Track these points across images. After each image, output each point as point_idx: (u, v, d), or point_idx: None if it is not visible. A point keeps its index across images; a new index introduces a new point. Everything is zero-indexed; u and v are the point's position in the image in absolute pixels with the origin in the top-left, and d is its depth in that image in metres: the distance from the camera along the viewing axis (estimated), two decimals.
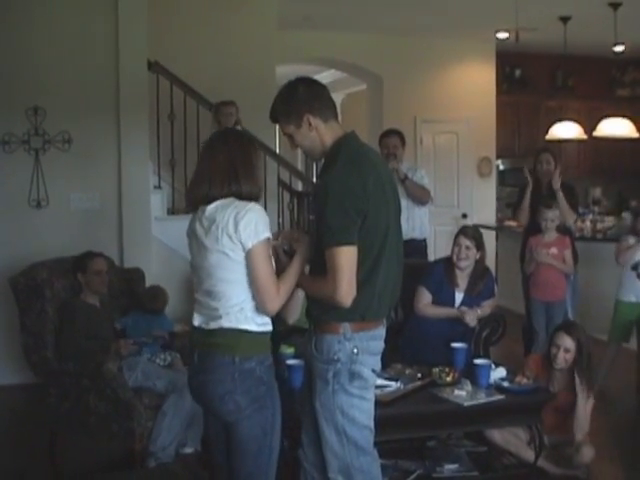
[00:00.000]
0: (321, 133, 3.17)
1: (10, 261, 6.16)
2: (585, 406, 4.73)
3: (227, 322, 3.05)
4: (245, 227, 2.97)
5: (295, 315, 5.01)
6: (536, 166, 6.93)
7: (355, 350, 3.10)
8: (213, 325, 3.08)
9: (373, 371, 3.21)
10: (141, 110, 6.85)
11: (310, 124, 3.14)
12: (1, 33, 6.58)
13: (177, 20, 7.88)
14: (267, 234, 3.03)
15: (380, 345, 3.24)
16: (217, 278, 3.06)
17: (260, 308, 3.06)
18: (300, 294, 4.78)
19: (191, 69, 7.47)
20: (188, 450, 4.93)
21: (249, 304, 3.05)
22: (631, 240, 6.28)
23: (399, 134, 6.81)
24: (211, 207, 3.08)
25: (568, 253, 6.35)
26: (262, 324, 3.10)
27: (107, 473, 4.92)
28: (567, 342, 4.80)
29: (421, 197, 6.74)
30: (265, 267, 3.02)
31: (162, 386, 4.82)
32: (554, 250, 6.33)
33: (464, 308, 5.23)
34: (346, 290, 3.00)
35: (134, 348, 5.01)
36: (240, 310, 3.05)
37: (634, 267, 6.21)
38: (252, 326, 3.06)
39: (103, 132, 6.80)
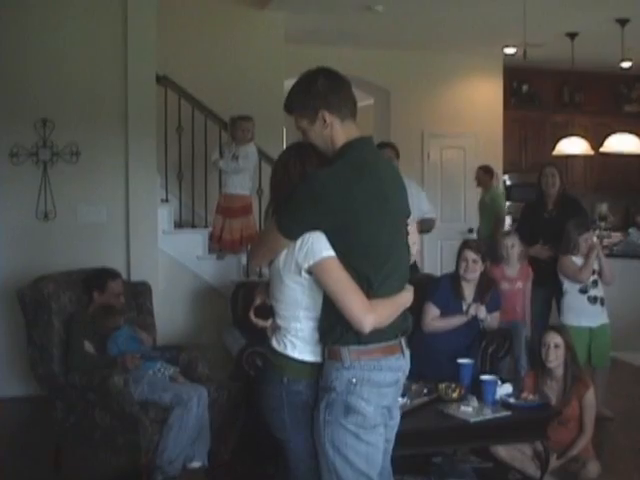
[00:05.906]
0: (335, 132, 2.85)
1: (17, 273, 6.18)
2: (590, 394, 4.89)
3: (275, 343, 2.94)
4: (300, 248, 2.79)
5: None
6: (541, 180, 6.89)
7: (354, 380, 2.75)
8: (270, 341, 2.97)
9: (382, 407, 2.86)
10: (149, 123, 6.87)
11: (325, 121, 2.84)
12: (11, 45, 6.61)
13: (186, 34, 7.92)
14: (327, 253, 2.76)
15: (388, 377, 2.83)
16: (271, 293, 2.97)
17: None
18: None
19: (199, 83, 7.50)
20: (196, 464, 4.87)
21: (292, 327, 2.88)
22: (577, 260, 5.92)
23: (392, 146, 6.55)
24: None
25: (529, 285, 6.26)
26: (303, 352, 2.89)
27: None
28: (556, 338, 4.91)
29: (425, 230, 6.47)
30: (335, 282, 2.74)
31: (168, 399, 4.79)
32: (519, 285, 6.20)
33: (474, 305, 5.28)
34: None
35: (140, 362, 4.96)
36: (284, 333, 2.90)
37: (583, 290, 5.92)
38: (295, 353, 2.88)
39: (111, 145, 6.82)
